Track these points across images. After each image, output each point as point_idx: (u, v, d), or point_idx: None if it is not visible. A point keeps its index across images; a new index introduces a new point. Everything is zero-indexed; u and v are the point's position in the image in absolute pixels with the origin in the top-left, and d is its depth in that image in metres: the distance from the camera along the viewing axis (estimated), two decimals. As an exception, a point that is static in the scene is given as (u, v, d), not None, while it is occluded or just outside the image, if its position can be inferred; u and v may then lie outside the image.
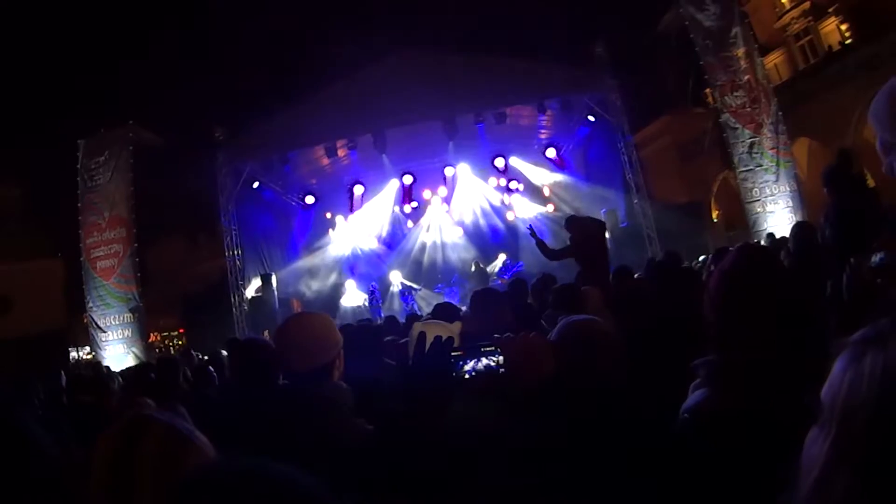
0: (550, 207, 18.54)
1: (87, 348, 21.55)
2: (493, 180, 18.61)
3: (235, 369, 3.65)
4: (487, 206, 18.97)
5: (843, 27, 22.67)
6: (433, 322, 2.71)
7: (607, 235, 12.63)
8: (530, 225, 9.63)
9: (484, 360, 1.55)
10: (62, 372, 7.12)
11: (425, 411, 1.46)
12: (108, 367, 11.91)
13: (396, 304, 17.16)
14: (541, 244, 8.91)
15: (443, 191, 18.61)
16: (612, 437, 1.58)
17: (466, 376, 1.53)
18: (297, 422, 2.01)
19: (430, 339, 1.55)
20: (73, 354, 27.38)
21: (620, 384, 1.94)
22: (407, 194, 18.21)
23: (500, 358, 1.55)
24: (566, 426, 1.63)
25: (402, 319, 9.63)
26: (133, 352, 14.72)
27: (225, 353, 6.25)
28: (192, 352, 9.91)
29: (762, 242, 11.28)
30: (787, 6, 25.54)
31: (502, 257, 17.50)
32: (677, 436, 1.65)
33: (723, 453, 1.52)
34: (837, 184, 5.66)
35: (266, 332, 15.00)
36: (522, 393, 1.57)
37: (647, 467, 1.55)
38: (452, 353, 1.54)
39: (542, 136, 18.54)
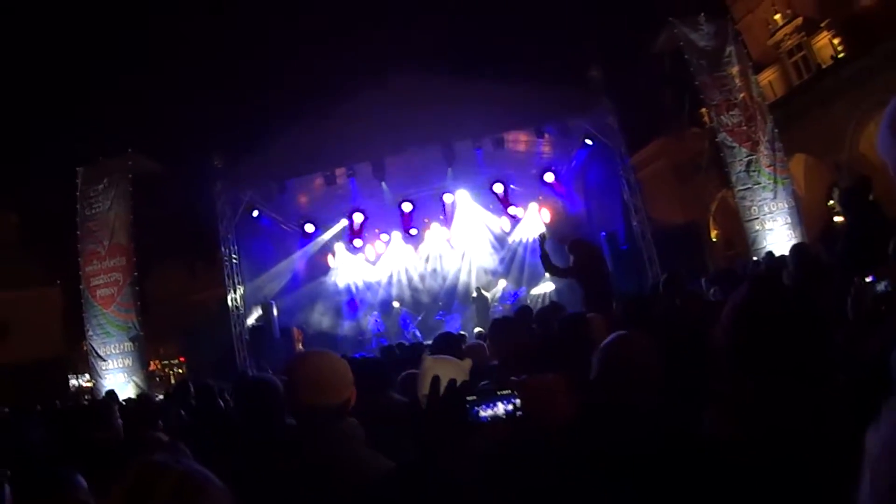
0: (549, 232, 18.48)
1: (87, 376, 21.50)
2: (492, 206, 18.61)
3: (243, 409, 3.59)
4: (487, 232, 18.97)
5: (836, 41, 22.81)
6: (444, 359, 2.67)
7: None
8: (542, 234, 9.56)
9: (500, 406, 1.49)
10: (57, 402, 7.04)
11: (440, 458, 1.44)
12: (111, 392, 11.85)
13: (397, 332, 17.12)
14: (545, 257, 8.90)
15: (442, 218, 18.65)
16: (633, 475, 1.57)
17: (482, 420, 1.48)
18: (309, 461, 1.98)
19: (443, 381, 1.51)
20: (73, 382, 27.35)
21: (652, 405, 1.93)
22: (406, 222, 18.18)
23: (517, 401, 1.49)
24: (588, 470, 1.62)
25: (404, 343, 9.63)
26: (134, 380, 14.65)
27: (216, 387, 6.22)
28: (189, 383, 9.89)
29: (760, 262, 11.27)
30: (780, 23, 25.74)
31: (503, 283, 17.47)
32: (691, 464, 1.63)
33: (737, 482, 1.52)
34: (855, 207, 5.72)
35: (266, 364, 14.99)
36: (542, 438, 1.55)
37: (664, 497, 1.54)
38: (467, 399, 1.49)
39: (541, 161, 18.57)
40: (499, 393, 1.49)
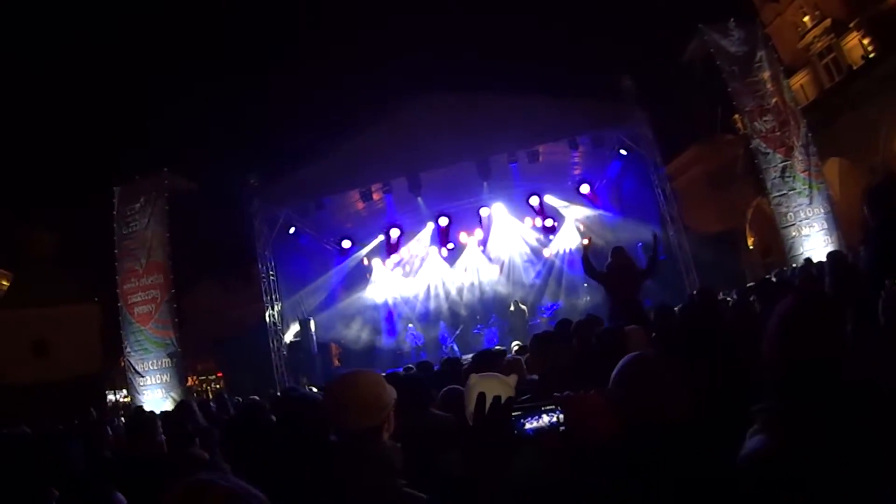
0: (586, 243, 18.41)
1: (125, 391, 21.76)
2: (528, 219, 18.60)
3: (287, 423, 3.61)
4: (524, 245, 18.95)
5: (866, 41, 22.45)
6: (490, 376, 2.65)
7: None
8: (588, 238, 9.67)
9: (545, 418, 1.54)
10: (102, 420, 7.07)
11: (486, 473, 1.45)
12: (151, 412, 12.00)
13: (435, 346, 17.14)
14: (586, 259, 8.96)
15: (479, 231, 18.66)
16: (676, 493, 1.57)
17: (528, 433, 1.52)
18: (347, 483, 1.98)
19: (488, 398, 1.54)
20: (111, 398, 27.69)
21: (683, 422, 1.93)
22: (443, 236, 18.26)
23: (560, 416, 1.54)
24: (630, 486, 1.63)
25: (441, 359, 9.66)
26: (172, 396, 14.75)
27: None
28: (226, 396, 9.99)
29: (797, 268, 11.16)
30: (809, 25, 25.38)
31: (541, 296, 17.42)
32: (736, 484, 1.62)
33: (783, 502, 1.51)
34: (881, 207, 5.61)
35: (304, 380, 15.10)
36: (585, 452, 1.57)
37: None
38: (513, 414, 1.53)
39: (576, 173, 18.55)
40: (543, 408, 1.54)
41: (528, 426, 1.53)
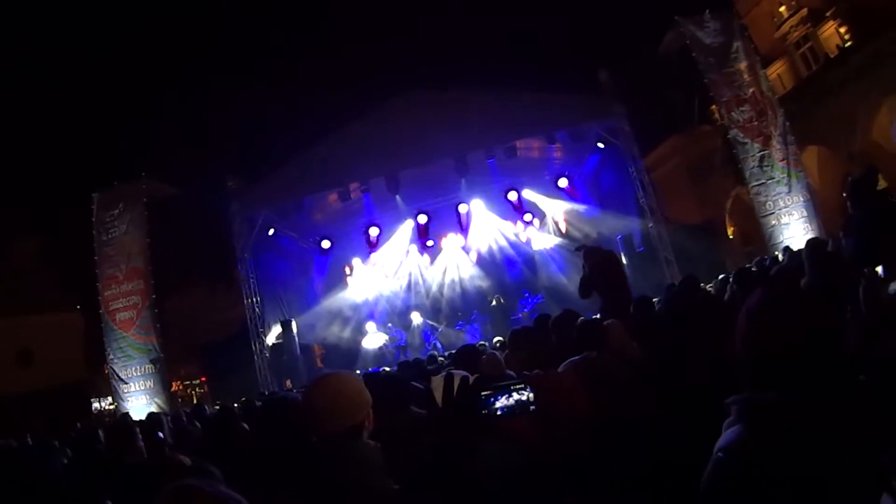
0: (565, 237, 18.53)
1: (110, 399, 21.63)
2: (507, 214, 18.62)
3: (267, 425, 3.62)
4: (503, 241, 18.97)
5: (842, 30, 22.57)
6: (457, 374, 2.68)
7: (624, 261, 12.60)
8: (582, 247, 9.12)
9: (514, 396, 1.52)
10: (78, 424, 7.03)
11: (457, 452, 1.45)
12: (127, 414, 11.93)
13: (418, 343, 17.13)
14: (581, 287, 8.33)
15: (458, 228, 18.66)
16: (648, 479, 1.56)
17: (498, 412, 1.51)
18: (328, 483, 2.01)
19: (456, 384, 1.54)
20: (95, 405, 27.52)
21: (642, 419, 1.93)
22: (422, 233, 18.25)
23: (531, 395, 1.52)
24: (606, 468, 1.61)
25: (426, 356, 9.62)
26: (156, 402, 14.71)
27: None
28: (205, 406, 9.97)
29: (779, 257, 11.18)
30: (786, 15, 25.46)
31: (520, 290, 17.41)
32: (713, 475, 1.62)
33: (759, 494, 1.50)
34: (860, 197, 5.63)
35: (288, 382, 15.05)
36: (559, 434, 1.55)
37: None
38: (482, 393, 1.52)
39: (554, 167, 18.58)
40: (512, 387, 1.53)
41: (497, 405, 1.52)
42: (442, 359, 10.05)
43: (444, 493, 1.43)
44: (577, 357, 2.23)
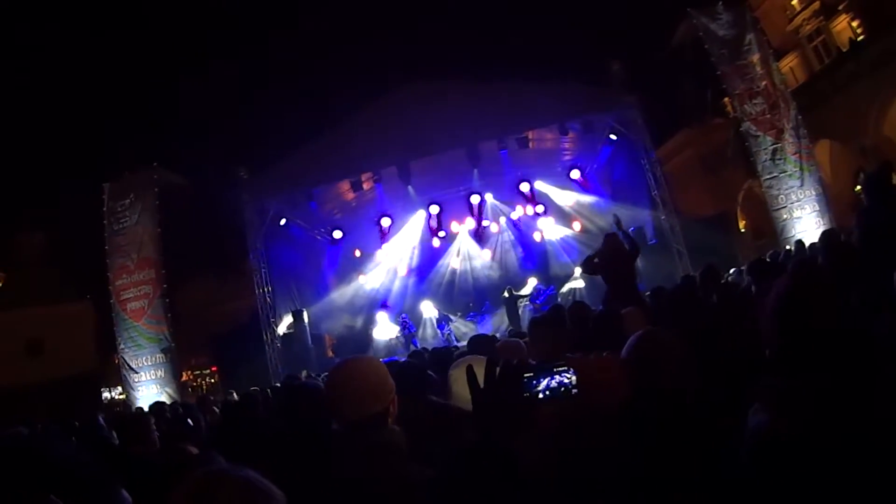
0: (577, 228, 18.49)
1: (120, 388, 21.71)
2: (519, 206, 18.57)
3: (289, 411, 3.58)
4: (515, 232, 19.00)
5: (855, 24, 22.44)
6: (475, 358, 2.64)
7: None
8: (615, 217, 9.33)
9: (557, 378, 1.47)
10: (99, 417, 7.02)
11: (500, 437, 1.40)
12: (140, 409, 11.97)
13: (430, 334, 17.13)
14: (589, 260, 8.76)
15: (470, 219, 18.64)
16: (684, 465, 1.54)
17: (540, 395, 1.46)
18: (354, 469, 1.96)
19: (479, 375, 1.49)
20: (106, 395, 27.66)
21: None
22: (435, 224, 18.23)
23: (573, 377, 1.47)
24: (645, 454, 1.59)
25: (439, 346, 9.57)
26: (167, 391, 14.76)
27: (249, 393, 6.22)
28: (211, 397, 9.97)
29: (791, 250, 11.14)
30: (798, 8, 25.32)
31: (533, 282, 17.37)
32: (741, 461, 1.61)
33: (786, 479, 1.50)
34: (876, 193, 5.63)
35: (304, 373, 15.07)
36: (600, 418, 1.54)
37: (716, 494, 1.51)
38: (525, 375, 1.47)
39: (566, 159, 18.55)
40: (555, 369, 1.48)
41: (539, 387, 1.46)
42: (455, 350, 10.03)
43: (484, 480, 1.37)
44: (639, 332, 2.20)
